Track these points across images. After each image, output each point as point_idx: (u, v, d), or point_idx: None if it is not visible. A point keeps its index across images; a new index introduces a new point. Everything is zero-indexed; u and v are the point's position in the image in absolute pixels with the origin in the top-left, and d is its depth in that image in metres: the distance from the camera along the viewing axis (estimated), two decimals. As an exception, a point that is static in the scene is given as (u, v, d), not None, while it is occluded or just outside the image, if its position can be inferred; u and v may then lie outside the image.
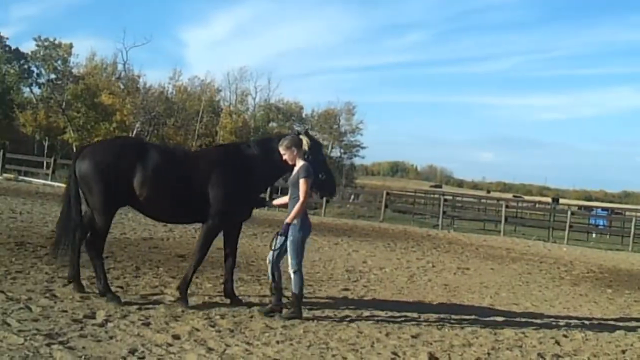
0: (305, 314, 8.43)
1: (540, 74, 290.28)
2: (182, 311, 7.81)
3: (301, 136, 8.28)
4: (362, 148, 64.82)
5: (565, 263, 18.89)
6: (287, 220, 7.88)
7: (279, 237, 8.03)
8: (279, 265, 8.24)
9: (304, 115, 61.95)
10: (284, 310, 8.17)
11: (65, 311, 7.22)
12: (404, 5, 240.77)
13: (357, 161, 69.20)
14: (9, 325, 6.42)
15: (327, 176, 8.62)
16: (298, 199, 7.92)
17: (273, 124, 59.20)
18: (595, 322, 10.19)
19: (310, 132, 10.02)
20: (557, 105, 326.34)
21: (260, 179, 8.59)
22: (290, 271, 8.05)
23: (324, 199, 30.81)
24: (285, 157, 8.09)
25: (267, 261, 8.30)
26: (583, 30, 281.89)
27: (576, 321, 10.05)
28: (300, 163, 8.07)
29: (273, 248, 8.09)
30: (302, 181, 7.88)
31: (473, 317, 9.45)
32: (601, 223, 37.89)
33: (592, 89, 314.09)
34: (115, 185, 7.92)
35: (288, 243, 7.99)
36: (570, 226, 28.55)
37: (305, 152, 8.17)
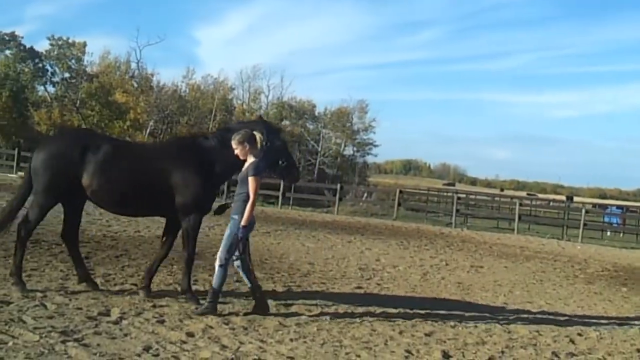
0: (318, 311, 8.44)
1: (554, 71, 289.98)
2: (197, 308, 7.82)
3: (255, 132, 7.96)
4: (375, 146, 64.61)
5: (580, 261, 18.80)
6: (242, 223, 7.58)
7: (242, 241, 7.72)
8: (247, 268, 8.03)
9: (316, 114, 61.82)
10: (197, 306, 7.85)
11: (80, 308, 7.25)
12: (417, 3, 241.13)
13: (370, 159, 68.93)
14: (24, 322, 6.47)
15: (288, 162, 8.59)
16: (245, 197, 7.69)
17: (286, 122, 59.15)
18: (610, 320, 10.15)
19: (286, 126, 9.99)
20: (571, 103, 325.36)
21: (219, 171, 8.37)
22: (216, 264, 7.81)
23: (338, 197, 30.91)
24: (236, 151, 7.85)
25: (236, 267, 8.11)
26: (597, 27, 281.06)
27: (590, 319, 10.01)
28: (250, 159, 7.83)
29: (238, 254, 7.84)
30: (251, 179, 7.63)
31: (487, 315, 9.43)
32: (615, 221, 37.70)
33: (606, 85, 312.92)
34: (63, 176, 7.86)
35: (225, 235, 7.82)
36: (585, 224, 28.37)
37: (262, 142, 7.97)
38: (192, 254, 8.39)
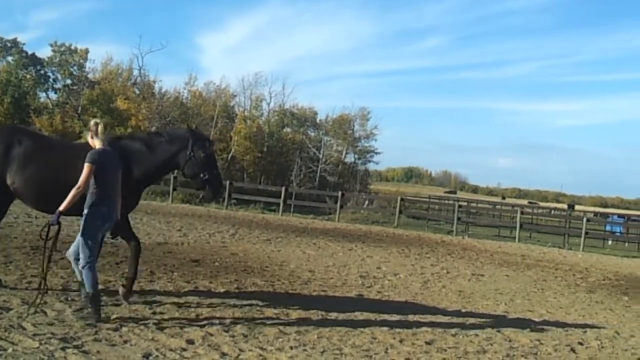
0: (319, 319, 8.42)
1: (559, 80, 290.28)
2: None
3: (96, 120, 7.73)
4: (377, 153, 64.65)
5: (581, 270, 18.77)
6: (60, 208, 7.17)
7: (50, 226, 7.31)
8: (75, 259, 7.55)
9: (318, 121, 61.86)
10: (83, 310, 7.41)
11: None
12: (422, 10, 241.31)
13: (371, 167, 68.91)
14: (24, 329, 6.46)
15: (210, 176, 8.25)
16: (91, 188, 7.33)
17: (287, 129, 59.17)
18: (611, 329, 10.12)
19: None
20: (573, 111, 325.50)
21: (140, 173, 8.21)
22: (80, 266, 7.35)
23: (339, 204, 30.91)
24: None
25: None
26: (603, 36, 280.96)
27: (592, 329, 9.98)
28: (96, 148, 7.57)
29: (43, 238, 7.35)
30: (84, 166, 7.25)
31: (488, 324, 9.41)
32: (617, 230, 37.64)
33: (609, 94, 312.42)
34: None
35: (78, 235, 7.42)
36: (586, 233, 28.29)
37: (189, 153, 8.04)
38: (135, 242, 8.37)
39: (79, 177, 7.27)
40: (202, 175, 8.22)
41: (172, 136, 8.43)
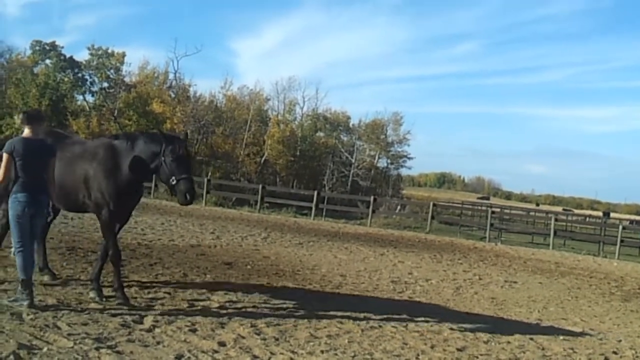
0: (350, 323, 8.42)
1: (593, 86, 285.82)
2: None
3: (24, 110, 7.80)
4: (409, 159, 64.33)
5: (616, 278, 18.50)
6: None
7: None
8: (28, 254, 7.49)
9: (351, 125, 61.80)
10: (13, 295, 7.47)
11: (114, 316, 7.34)
12: (455, 15, 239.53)
13: (403, 172, 68.64)
14: (59, 328, 6.56)
15: (181, 180, 8.02)
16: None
17: (320, 134, 59.24)
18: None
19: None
20: (609, 117, 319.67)
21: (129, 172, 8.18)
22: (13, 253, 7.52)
23: (371, 209, 30.86)
24: None
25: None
26: (636, 42, 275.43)
27: (627, 338, 9.83)
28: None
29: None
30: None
31: (520, 331, 9.31)
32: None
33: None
34: None
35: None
36: (622, 241, 27.86)
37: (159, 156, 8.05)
38: (110, 250, 8.27)
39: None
40: (171, 180, 8.09)
41: (152, 140, 8.33)
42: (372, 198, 31.96)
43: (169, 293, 9.04)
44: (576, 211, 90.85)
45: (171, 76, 55.55)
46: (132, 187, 8.39)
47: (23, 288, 7.29)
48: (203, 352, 6.42)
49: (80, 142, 9.30)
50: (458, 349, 7.81)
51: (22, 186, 7.42)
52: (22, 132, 7.74)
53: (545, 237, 31.84)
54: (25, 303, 7.19)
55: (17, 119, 7.64)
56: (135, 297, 8.46)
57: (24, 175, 7.41)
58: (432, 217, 31.23)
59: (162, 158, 8.09)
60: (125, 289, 8.71)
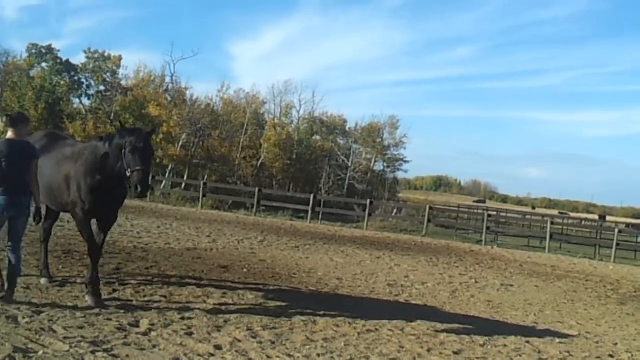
0: (345, 325, 8.42)
1: (590, 90, 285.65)
2: (224, 320, 7.84)
3: (8, 114, 7.89)
4: (406, 162, 64.49)
5: (612, 282, 18.51)
6: None
7: None
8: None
9: (347, 129, 61.92)
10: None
11: (110, 319, 7.33)
12: (453, 19, 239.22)
13: (400, 175, 68.84)
14: (54, 332, 6.56)
15: (135, 172, 7.86)
16: None
17: (317, 137, 59.35)
18: (643, 342, 9.97)
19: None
20: (605, 121, 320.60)
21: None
22: None
23: (367, 212, 30.87)
24: None
25: None
26: (635, 47, 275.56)
27: (623, 341, 9.85)
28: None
29: None
30: None
31: (516, 334, 9.32)
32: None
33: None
34: None
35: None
36: (618, 244, 27.89)
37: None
38: (87, 245, 8.46)
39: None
40: (127, 172, 7.99)
41: (121, 135, 8.28)
42: (368, 201, 31.97)
43: (165, 296, 9.03)
44: (572, 214, 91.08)
45: (168, 79, 55.61)
46: (112, 186, 8.36)
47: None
48: (199, 355, 6.42)
49: (73, 144, 9.33)
50: (454, 352, 7.81)
51: (2, 189, 7.52)
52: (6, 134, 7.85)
53: (542, 240, 31.86)
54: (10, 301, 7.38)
55: (1, 122, 7.75)
56: (131, 300, 8.45)
57: (7, 175, 7.51)
58: (429, 221, 31.24)
59: (123, 151, 8.04)
60: (122, 292, 8.73)
